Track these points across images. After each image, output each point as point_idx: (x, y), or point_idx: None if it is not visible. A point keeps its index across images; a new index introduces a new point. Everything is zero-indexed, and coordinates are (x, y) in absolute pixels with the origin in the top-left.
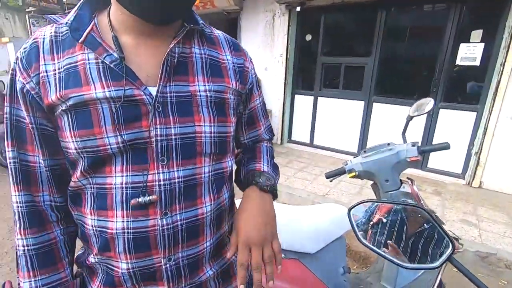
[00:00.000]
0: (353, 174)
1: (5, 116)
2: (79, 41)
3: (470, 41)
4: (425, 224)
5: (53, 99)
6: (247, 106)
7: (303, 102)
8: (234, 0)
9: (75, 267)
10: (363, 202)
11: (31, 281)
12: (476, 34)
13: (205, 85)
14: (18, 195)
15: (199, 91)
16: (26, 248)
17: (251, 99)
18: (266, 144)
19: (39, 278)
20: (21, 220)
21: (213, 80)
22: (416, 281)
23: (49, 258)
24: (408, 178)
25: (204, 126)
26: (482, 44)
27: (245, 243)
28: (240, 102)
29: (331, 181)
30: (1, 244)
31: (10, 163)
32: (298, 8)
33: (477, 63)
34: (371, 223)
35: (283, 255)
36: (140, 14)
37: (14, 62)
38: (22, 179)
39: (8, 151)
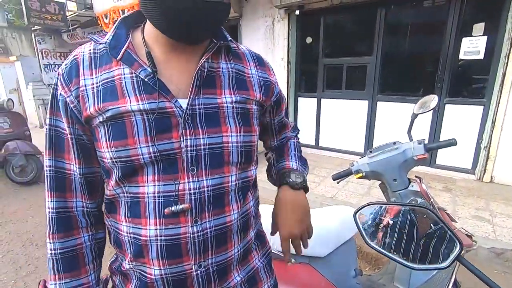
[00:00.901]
0: (360, 174)
1: (46, 127)
2: (117, 59)
3: (473, 34)
4: (432, 225)
5: (92, 111)
6: (277, 116)
7: (306, 104)
8: (233, 7)
9: (104, 273)
10: (369, 205)
11: (56, 283)
12: (478, 27)
13: (231, 97)
14: (50, 201)
15: (226, 103)
16: (53, 251)
17: (281, 109)
18: (293, 140)
19: (63, 282)
20: (51, 225)
21: (239, 92)
22: (430, 281)
23: (73, 263)
24: (416, 176)
25: (231, 136)
26: (485, 37)
27: (287, 236)
28: (262, 112)
29: (338, 182)
30: (15, 259)
31: (46, 171)
32: (297, 12)
33: (481, 56)
34: (378, 225)
35: (293, 260)
36: (173, 36)
37: (56, 78)
38: (57, 186)
39: (46, 159)
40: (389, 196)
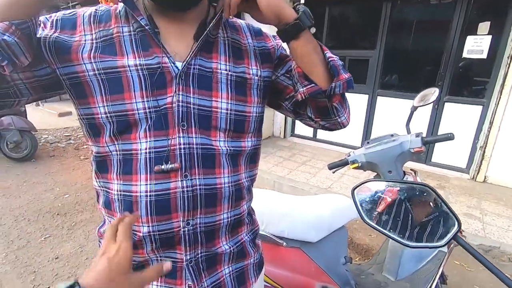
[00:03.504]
0: (356, 165)
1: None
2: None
3: (477, 33)
4: (430, 203)
5: (85, 56)
6: (286, 65)
7: None
8: None
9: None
10: (368, 181)
11: None
12: (484, 26)
13: (226, 65)
14: None
15: (220, 69)
16: None
17: (289, 59)
18: None
19: None
20: None
21: (235, 61)
22: (418, 272)
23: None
24: (411, 169)
25: (221, 102)
26: (490, 37)
27: None
28: (269, 83)
29: (333, 172)
30: (7, 233)
31: None
32: (302, 1)
33: (484, 56)
34: (376, 202)
35: (284, 244)
36: (157, 1)
37: (45, 17)
38: None
39: None
40: None
